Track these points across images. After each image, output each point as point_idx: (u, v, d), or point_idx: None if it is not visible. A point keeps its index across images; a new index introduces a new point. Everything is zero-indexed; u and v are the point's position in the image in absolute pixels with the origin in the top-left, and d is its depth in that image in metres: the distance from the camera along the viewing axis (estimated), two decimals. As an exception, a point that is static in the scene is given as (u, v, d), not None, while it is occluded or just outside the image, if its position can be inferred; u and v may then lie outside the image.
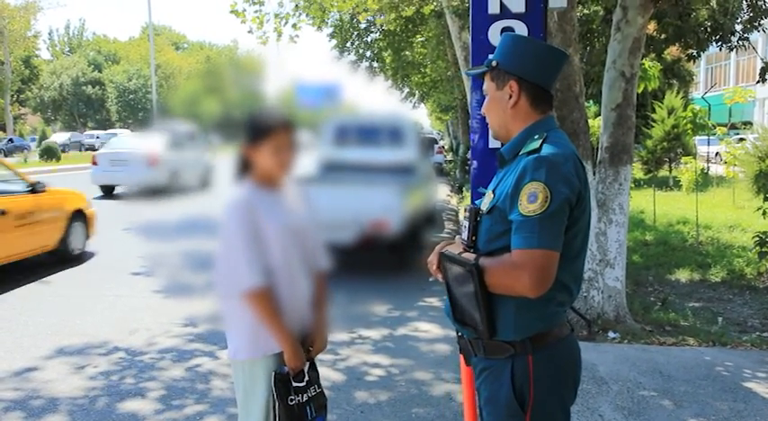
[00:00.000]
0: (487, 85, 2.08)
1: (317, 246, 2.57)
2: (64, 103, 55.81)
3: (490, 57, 2.09)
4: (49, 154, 30.99)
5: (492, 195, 1.99)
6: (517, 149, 2.01)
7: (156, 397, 4.26)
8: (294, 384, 2.40)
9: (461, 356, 2.20)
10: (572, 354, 2.04)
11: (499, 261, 1.88)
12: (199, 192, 14.79)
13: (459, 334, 2.12)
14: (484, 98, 2.12)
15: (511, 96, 2.02)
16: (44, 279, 7.49)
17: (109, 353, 5.08)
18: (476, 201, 2.10)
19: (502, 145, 2.12)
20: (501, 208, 1.92)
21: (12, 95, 49.00)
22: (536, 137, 1.96)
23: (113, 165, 15.75)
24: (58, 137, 44.46)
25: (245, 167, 2.47)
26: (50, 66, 57.08)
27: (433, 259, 2.11)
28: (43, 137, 44.94)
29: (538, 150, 1.90)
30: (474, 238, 2.01)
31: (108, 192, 16.30)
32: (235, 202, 2.38)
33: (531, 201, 1.83)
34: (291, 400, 2.38)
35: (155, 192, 14.43)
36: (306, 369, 2.43)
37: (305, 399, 2.42)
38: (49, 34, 64.88)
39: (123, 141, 18.24)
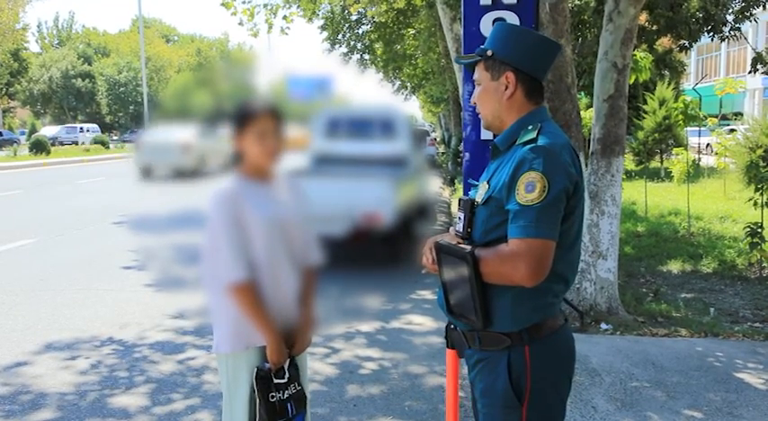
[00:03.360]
0: (480, 74, 2.05)
1: (307, 240, 2.52)
2: (53, 96, 55.34)
3: (483, 45, 2.06)
4: (39, 147, 30.81)
5: (487, 186, 1.97)
6: (512, 140, 1.99)
7: (146, 391, 4.23)
8: (275, 381, 2.37)
9: (448, 350, 2.17)
10: (567, 345, 2.04)
11: (495, 250, 1.87)
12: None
13: (452, 326, 2.11)
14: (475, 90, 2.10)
15: (507, 87, 2.00)
16: (34, 271, 7.45)
17: (99, 348, 5.05)
18: (469, 193, 2.08)
19: (494, 135, 2.10)
20: (497, 198, 1.91)
21: (1, 88, 48.60)
22: (530, 127, 1.95)
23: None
24: (48, 130, 44.13)
25: (236, 160, 2.43)
26: (39, 58, 56.55)
27: (426, 252, 2.09)
28: (33, 130, 44.63)
29: (534, 140, 1.89)
30: (469, 230, 1.99)
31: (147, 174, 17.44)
32: (218, 194, 2.35)
33: (529, 190, 1.82)
34: (272, 397, 2.36)
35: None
36: (286, 366, 2.40)
37: (285, 397, 2.39)
38: (38, 27, 64.31)
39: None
